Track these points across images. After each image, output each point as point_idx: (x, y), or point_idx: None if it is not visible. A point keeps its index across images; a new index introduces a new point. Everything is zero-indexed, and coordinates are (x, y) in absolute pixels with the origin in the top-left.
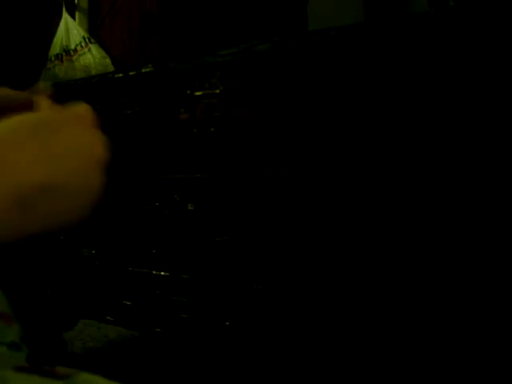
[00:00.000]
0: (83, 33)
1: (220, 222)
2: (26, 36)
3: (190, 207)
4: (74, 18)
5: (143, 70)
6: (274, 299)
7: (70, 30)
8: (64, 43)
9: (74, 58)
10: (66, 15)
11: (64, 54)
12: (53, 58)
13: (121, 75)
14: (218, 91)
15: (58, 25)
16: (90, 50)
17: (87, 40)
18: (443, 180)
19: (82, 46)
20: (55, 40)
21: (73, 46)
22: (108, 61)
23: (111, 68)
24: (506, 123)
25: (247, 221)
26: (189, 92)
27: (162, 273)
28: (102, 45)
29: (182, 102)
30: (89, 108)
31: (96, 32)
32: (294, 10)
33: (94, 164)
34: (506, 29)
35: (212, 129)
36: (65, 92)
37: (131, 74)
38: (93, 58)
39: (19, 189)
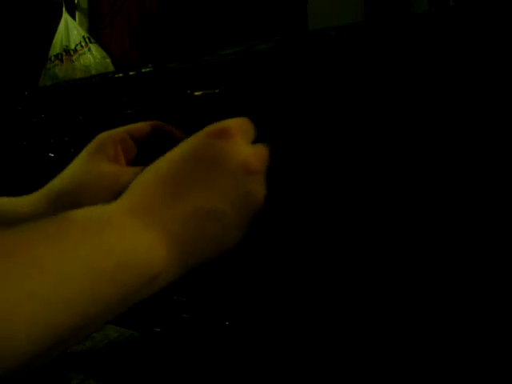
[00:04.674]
0: (83, 33)
1: None
2: (26, 36)
3: None
4: (74, 17)
5: (143, 70)
6: (275, 298)
7: (70, 29)
8: (64, 43)
9: (74, 57)
10: (65, 15)
11: (64, 53)
12: (53, 58)
13: (121, 75)
14: (217, 91)
15: (58, 25)
16: (89, 49)
17: (87, 40)
18: (444, 182)
19: (82, 46)
20: (55, 40)
21: (73, 46)
22: (108, 61)
23: (111, 68)
24: (506, 124)
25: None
26: (189, 92)
27: None
28: (102, 45)
29: (181, 101)
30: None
31: (96, 32)
32: (294, 10)
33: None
34: (507, 29)
35: None
36: (65, 92)
37: (131, 73)
38: (93, 58)
39: (197, 210)
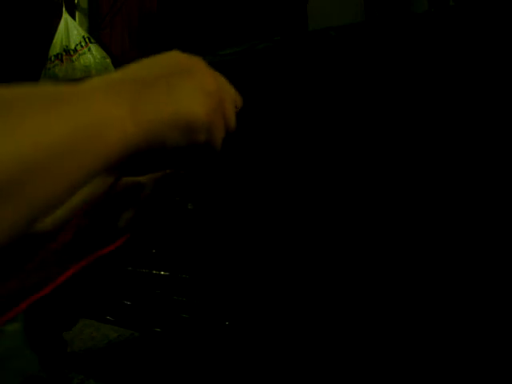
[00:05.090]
0: (83, 33)
1: (219, 222)
2: (26, 36)
3: (189, 207)
4: (74, 17)
5: None
6: (275, 299)
7: (70, 29)
8: (64, 43)
9: (74, 57)
10: (65, 15)
11: (64, 53)
12: (53, 58)
13: None
14: None
15: (58, 25)
16: (89, 49)
17: (87, 40)
18: (444, 181)
19: (82, 46)
20: (55, 40)
21: (73, 46)
22: (108, 61)
23: (111, 68)
24: (506, 123)
25: (247, 221)
26: None
27: (162, 272)
28: (102, 45)
29: None
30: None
31: (96, 32)
32: (294, 10)
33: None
34: (506, 29)
35: None
36: None
37: None
38: (93, 58)
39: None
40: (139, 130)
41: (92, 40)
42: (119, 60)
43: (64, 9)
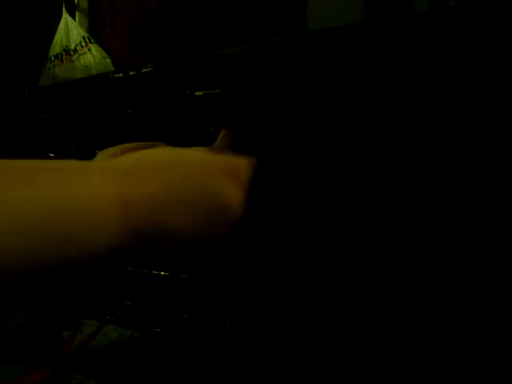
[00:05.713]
0: (83, 33)
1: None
2: (26, 36)
3: None
4: (74, 17)
5: (143, 70)
6: (274, 299)
7: (70, 29)
8: (64, 43)
9: (74, 57)
10: (65, 15)
11: (64, 53)
12: (53, 58)
13: (121, 75)
14: (218, 91)
15: (58, 25)
16: (89, 49)
17: (87, 40)
18: (443, 182)
19: (82, 46)
20: (55, 40)
21: (73, 46)
22: (108, 61)
23: (111, 68)
24: (506, 123)
25: (246, 220)
26: (189, 92)
27: (162, 272)
28: (102, 45)
29: (181, 102)
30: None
31: (96, 32)
32: (294, 10)
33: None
34: (507, 29)
35: (212, 129)
36: (65, 92)
37: (131, 73)
38: (93, 58)
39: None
40: (132, 235)
41: (92, 40)
42: (119, 60)
43: (64, 9)
